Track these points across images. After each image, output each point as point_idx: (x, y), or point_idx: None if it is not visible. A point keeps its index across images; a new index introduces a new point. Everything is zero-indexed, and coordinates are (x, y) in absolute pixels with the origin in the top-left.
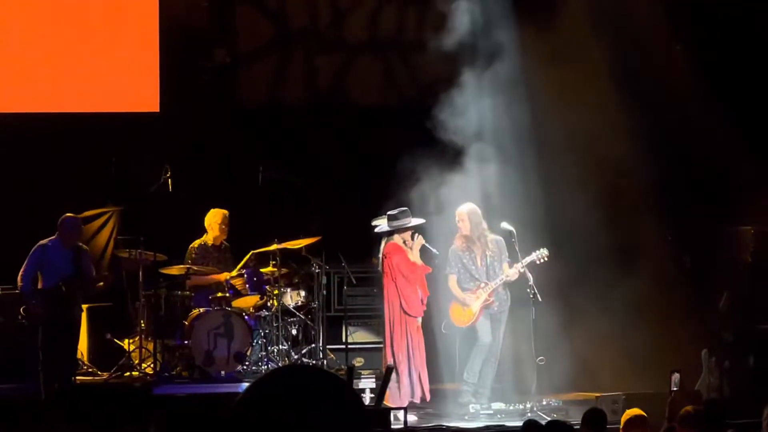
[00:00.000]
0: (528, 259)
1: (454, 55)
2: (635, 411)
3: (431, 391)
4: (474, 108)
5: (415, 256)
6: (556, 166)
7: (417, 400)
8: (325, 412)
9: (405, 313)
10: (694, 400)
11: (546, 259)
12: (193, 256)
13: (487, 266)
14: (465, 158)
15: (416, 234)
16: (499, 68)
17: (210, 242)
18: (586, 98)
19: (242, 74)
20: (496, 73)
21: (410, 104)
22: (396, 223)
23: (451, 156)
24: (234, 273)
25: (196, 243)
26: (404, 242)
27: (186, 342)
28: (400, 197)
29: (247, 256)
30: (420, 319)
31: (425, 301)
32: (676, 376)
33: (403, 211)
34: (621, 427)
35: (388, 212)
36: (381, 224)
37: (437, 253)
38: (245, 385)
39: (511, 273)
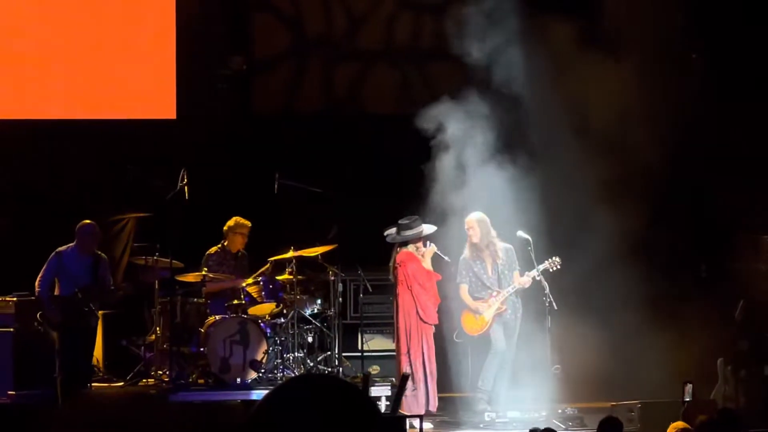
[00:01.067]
0: (540, 267)
1: (470, 64)
2: (681, 424)
3: (445, 400)
4: (489, 116)
5: (427, 263)
6: (571, 174)
7: (433, 409)
8: (340, 421)
9: (422, 321)
10: (708, 409)
11: (559, 266)
12: (209, 263)
13: (498, 274)
14: (479, 166)
15: (428, 242)
16: (513, 76)
17: (227, 250)
18: (603, 102)
19: (258, 82)
20: (510, 80)
21: (425, 113)
22: (408, 233)
23: (465, 164)
24: (250, 281)
25: (213, 250)
26: (416, 249)
27: (202, 349)
28: (415, 205)
29: (265, 266)
30: (433, 327)
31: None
32: (689, 387)
33: (415, 219)
34: None
35: (399, 221)
36: (392, 234)
37: (449, 260)
38: (261, 392)
39: (523, 281)
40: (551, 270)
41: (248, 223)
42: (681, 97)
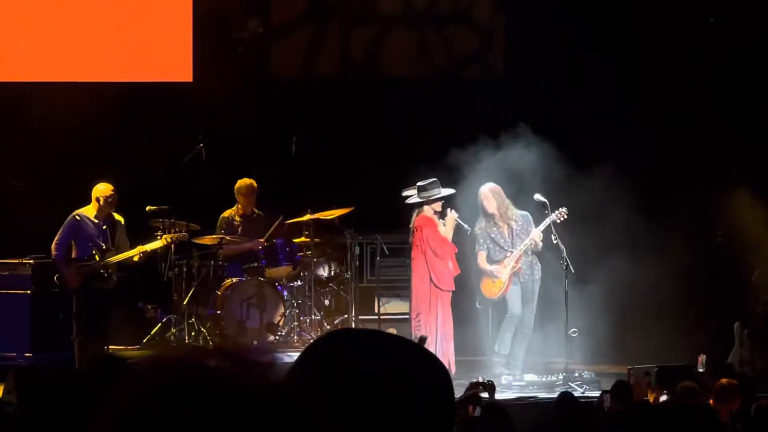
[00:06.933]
0: (548, 220)
1: (490, 28)
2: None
3: (464, 363)
4: (508, 83)
5: (447, 231)
6: (592, 140)
7: None
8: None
9: (435, 286)
10: (726, 373)
11: (566, 216)
12: (224, 226)
13: (513, 237)
14: (497, 130)
15: (450, 209)
16: (537, 41)
17: (241, 212)
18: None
19: (276, 45)
20: (534, 46)
21: (444, 77)
22: (425, 194)
23: (483, 129)
24: (262, 240)
25: (227, 213)
26: (434, 212)
27: (218, 312)
28: (431, 169)
29: (277, 222)
30: (450, 293)
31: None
32: (702, 358)
33: (433, 182)
34: (713, 395)
35: (418, 183)
36: (411, 194)
37: (468, 228)
38: (278, 356)
39: (535, 235)
40: (559, 221)
41: (246, 182)
42: (702, 66)
